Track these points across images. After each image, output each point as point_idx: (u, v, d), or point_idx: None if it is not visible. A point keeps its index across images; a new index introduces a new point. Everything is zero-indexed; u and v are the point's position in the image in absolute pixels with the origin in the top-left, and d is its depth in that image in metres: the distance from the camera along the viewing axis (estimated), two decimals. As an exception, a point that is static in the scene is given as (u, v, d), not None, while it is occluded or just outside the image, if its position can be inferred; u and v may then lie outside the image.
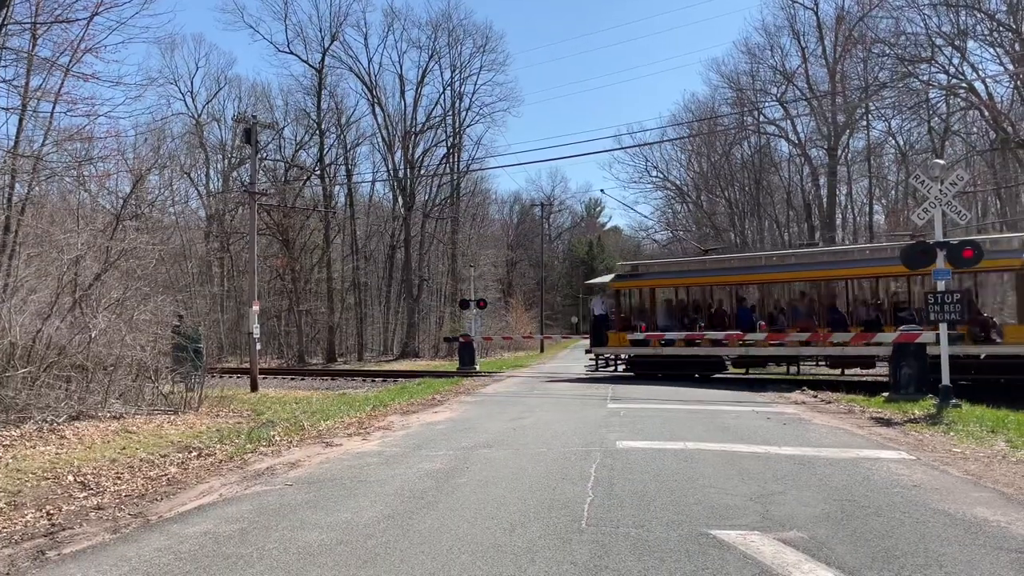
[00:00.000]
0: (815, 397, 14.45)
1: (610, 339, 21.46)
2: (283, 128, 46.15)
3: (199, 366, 14.77)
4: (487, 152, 68.75)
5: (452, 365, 29.64)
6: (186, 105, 49.62)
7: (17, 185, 17.16)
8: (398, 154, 48.44)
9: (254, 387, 20.81)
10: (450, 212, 49.55)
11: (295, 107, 48.17)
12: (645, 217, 60.98)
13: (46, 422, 10.31)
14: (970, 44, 32.44)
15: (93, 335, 12.18)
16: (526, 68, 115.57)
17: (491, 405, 14.12)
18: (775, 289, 22.06)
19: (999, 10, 31.05)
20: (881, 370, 17.66)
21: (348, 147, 47.84)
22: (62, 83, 16.18)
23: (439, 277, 52.33)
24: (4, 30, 14.66)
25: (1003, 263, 16.23)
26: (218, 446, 9.41)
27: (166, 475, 7.64)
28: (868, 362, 18.05)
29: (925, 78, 33.34)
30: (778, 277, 20.40)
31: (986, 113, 32.03)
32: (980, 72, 32.11)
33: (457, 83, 49.22)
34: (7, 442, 9.15)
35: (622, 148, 57.02)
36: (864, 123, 41.37)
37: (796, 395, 14.96)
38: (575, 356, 39.40)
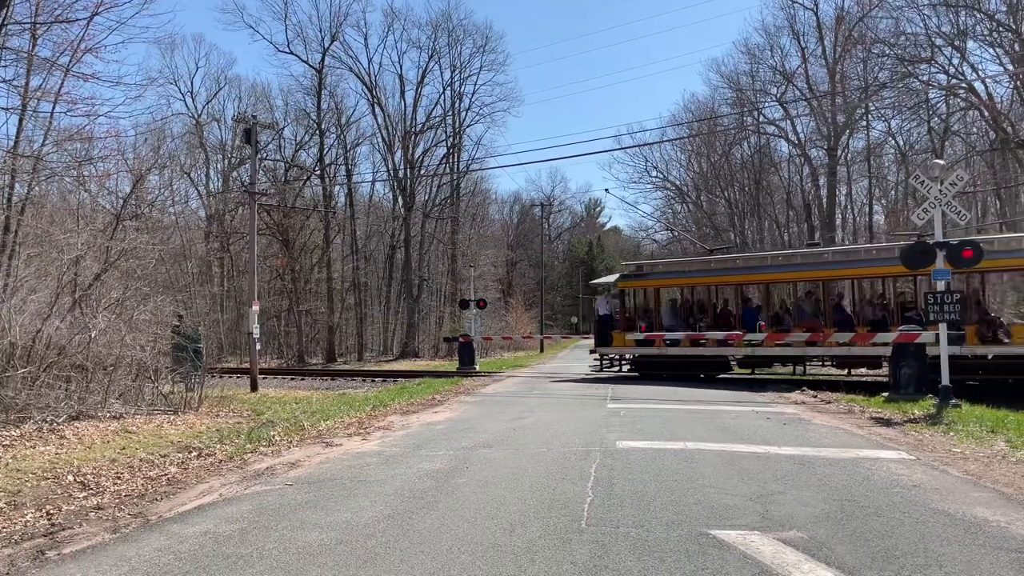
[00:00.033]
0: (815, 397, 14.45)
1: (615, 339, 21.38)
2: (283, 128, 46.22)
3: (199, 366, 14.77)
4: (487, 152, 68.92)
5: (452, 365, 29.64)
6: (186, 105, 49.72)
7: (17, 185, 17.18)
8: (398, 154, 48.50)
9: (254, 387, 20.81)
10: (450, 212, 49.55)
11: (295, 107, 48.27)
12: (645, 217, 61.06)
13: (46, 422, 10.31)
14: (970, 44, 32.46)
15: (93, 335, 12.18)
16: (526, 68, 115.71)
17: (491, 405, 14.12)
18: (781, 289, 21.99)
19: (999, 10, 31.06)
20: (887, 370, 17.64)
21: (348, 147, 47.91)
22: (62, 83, 16.20)
23: (439, 277, 52.34)
24: (4, 30, 14.67)
25: (1010, 263, 16.17)
26: (218, 446, 9.41)
27: (166, 475, 7.64)
28: (875, 362, 18.00)
29: (925, 78, 33.35)
30: (784, 277, 20.31)
31: (986, 113, 32.02)
32: (980, 72, 32.13)
33: (457, 83, 49.31)
34: (7, 442, 9.15)
35: (622, 148, 57.07)
36: (864, 123, 41.37)
37: (796, 395, 14.96)
38: (575, 356, 39.41)
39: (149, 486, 7.12)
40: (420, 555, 4.57)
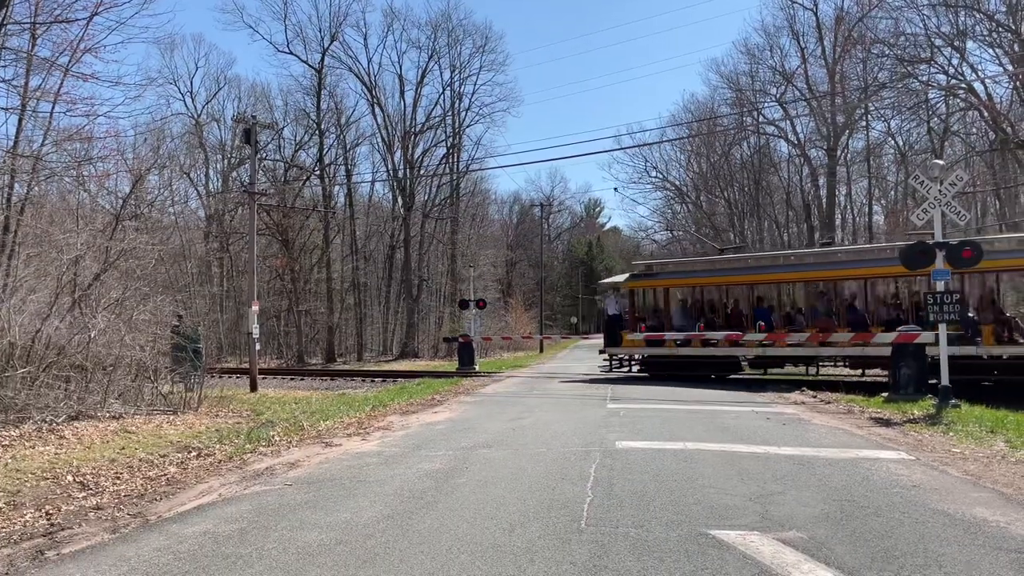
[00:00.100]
0: (814, 397, 14.45)
1: (624, 339, 21.28)
2: (283, 128, 46.20)
3: (198, 366, 14.77)
4: (487, 152, 69.05)
5: (451, 365, 29.64)
6: (185, 105, 49.71)
7: (16, 185, 17.15)
8: (398, 154, 48.51)
9: (253, 387, 20.81)
10: (450, 212, 49.55)
11: (295, 107, 48.27)
12: (645, 217, 61.08)
13: (45, 422, 10.30)
14: (969, 45, 32.47)
15: (92, 335, 12.18)
16: (526, 68, 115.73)
17: (490, 405, 14.12)
18: (793, 288, 21.85)
19: (998, 11, 31.06)
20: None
21: (348, 147, 47.91)
22: (61, 83, 16.17)
23: (438, 277, 52.34)
24: (4, 30, 14.65)
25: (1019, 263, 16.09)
26: (217, 446, 9.41)
27: (165, 475, 7.64)
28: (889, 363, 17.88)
29: (924, 79, 33.34)
30: (796, 276, 20.12)
31: (985, 114, 32.03)
32: (979, 73, 32.14)
33: (457, 83, 49.31)
34: (6, 442, 9.14)
35: (622, 148, 57.12)
36: (863, 123, 41.38)
37: (795, 395, 14.96)
38: (575, 356, 39.41)
39: (148, 486, 7.11)
40: (420, 555, 4.57)
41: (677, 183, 58.38)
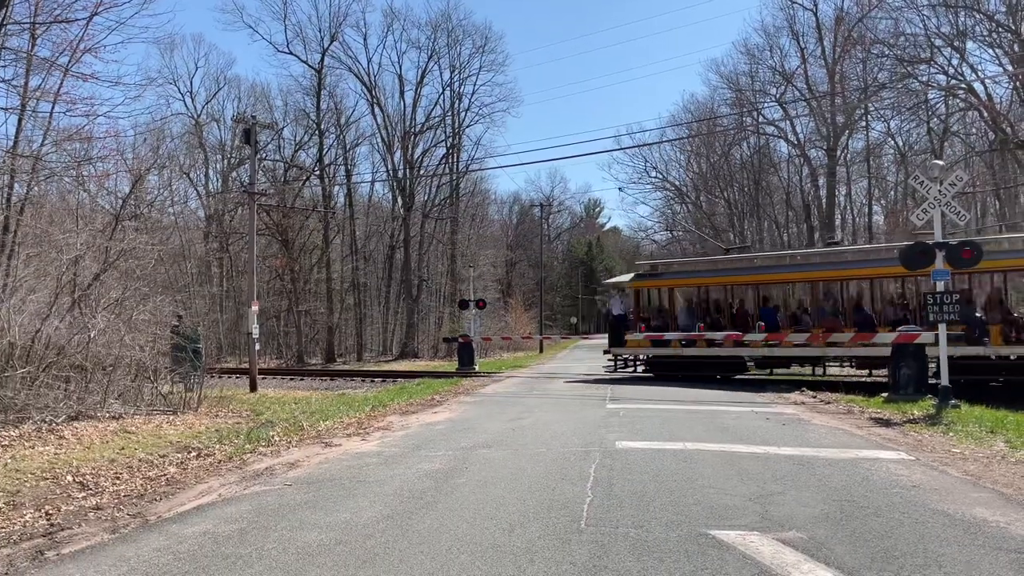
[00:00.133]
0: (814, 398, 14.44)
1: (629, 340, 21.20)
2: (282, 128, 46.21)
3: (198, 366, 14.76)
4: (486, 152, 69.04)
5: (451, 365, 29.64)
6: (185, 105, 49.73)
7: (16, 185, 17.14)
8: (397, 154, 48.52)
9: (253, 387, 20.81)
10: (449, 212, 49.55)
11: (294, 107, 48.30)
12: (644, 218, 61.12)
13: (45, 422, 10.30)
14: (969, 45, 32.52)
15: (92, 335, 12.17)
16: (525, 69, 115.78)
17: (490, 405, 14.12)
18: (800, 289, 21.74)
19: (998, 11, 31.09)
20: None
21: (347, 147, 47.92)
22: (61, 83, 16.16)
23: (438, 277, 52.34)
24: (3, 30, 14.65)
25: None
26: (217, 446, 9.40)
27: (165, 475, 7.63)
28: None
29: (924, 79, 33.38)
30: (803, 276, 20.02)
31: (985, 114, 32.06)
32: (979, 73, 32.18)
33: (456, 83, 49.34)
34: (6, 442, 9.14)
35: (621, 149, 57.18)
36: (863, 124, 41.41)
37: (795, 395, 14.95)
38: (575, 356, 39.41)
39: (148, 486, 7.11)
40: (419, 555, 4.57)
41: (677, 183, 58.47)
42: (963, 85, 32.19)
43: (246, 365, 26.96)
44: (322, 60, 45.85)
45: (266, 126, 32.69)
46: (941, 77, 33.03)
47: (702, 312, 21.11)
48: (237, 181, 46.61)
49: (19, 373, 10.81)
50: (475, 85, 49.56)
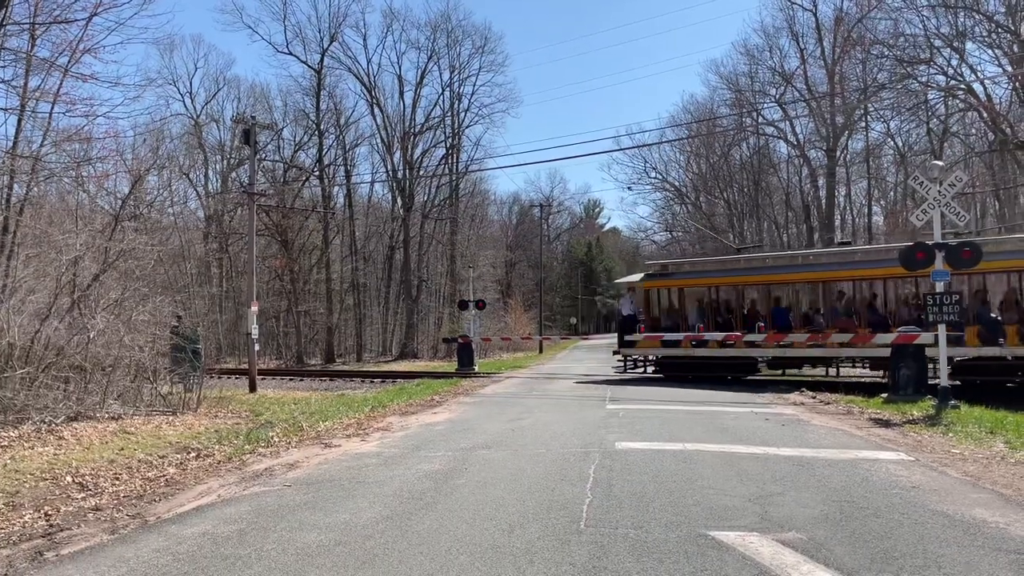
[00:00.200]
0: (814, 398, 14.44)
1: (638, 340, 21.04)
2: (282, 129, 46.18)
3: (197, 367, 14.75)
4: (486, 153, 69.15)
5: (451, 366, 29.62)
6: (185, 106, 49.71)
7: (16, 186, 17.14)
8: (397, 155, 48.52)
9: (252, 388, 20.78)
10: (449, 213, 49.55)
11: (294, 108, 48.27)
12: (643, 218, 61.12)
13: (44, 423, 10.29)
14: (969, 46, 32.51)
15: (91, 336, 12.16)
16: (525, 69, 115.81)
17: (490, 406, 14.12)
18: (811, 289, 21.63)
19: (998, 12, 31.08)
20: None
21: (347, 148, 47.91)
22: (61, 83, 16.16)
23: (438, 278, 52.34)
24: (3, 30, 14.65)
25: None
26: (216, 447, 9.40)
27: (164, 476, 7.63)
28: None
29: (924, 79, 33.37)
30: (814, 276, 19.92)
31: (985, 114, 32.05)
32: (979, 73, 32.16)
33: (456, 84, 49.33)
34: (5, 443, 9.13)
35: (621, 149, 57.20)
36: (863, 124, 41.41)
37: (795, 396, 14.95)
38: (574, 357, 39.41)
39: (147, 487, 7.11)
40: (419, 556, 4.57)
41: (676, 184, 58.46)
42: (963, 86, 32.19)
43: (245, 366, 26.92)
44: (322, 60, 45.90)
45: (266, 126, 32.66)
46: (940, 78, 33.04)
47: (713, 312, 20.88)
48: (237, 181, 46.58)
49: (18, 374, 10.80)
50: (475, 86, 49.62)
